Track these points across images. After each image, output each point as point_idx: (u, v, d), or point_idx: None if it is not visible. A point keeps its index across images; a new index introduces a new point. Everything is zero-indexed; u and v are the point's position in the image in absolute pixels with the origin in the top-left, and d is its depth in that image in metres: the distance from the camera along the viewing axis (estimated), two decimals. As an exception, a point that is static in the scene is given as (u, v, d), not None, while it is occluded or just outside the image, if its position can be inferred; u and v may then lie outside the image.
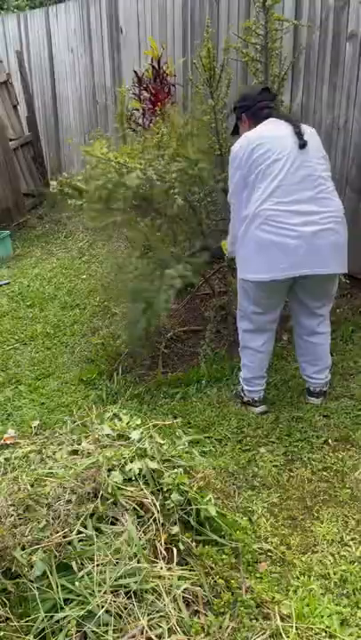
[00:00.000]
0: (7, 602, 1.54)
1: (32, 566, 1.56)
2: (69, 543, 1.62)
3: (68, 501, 1.68)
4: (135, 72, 5.08)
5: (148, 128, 3.78)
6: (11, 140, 6.74)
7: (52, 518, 1.64)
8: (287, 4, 3.79)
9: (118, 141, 5.29)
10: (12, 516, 1.61)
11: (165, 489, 1.83)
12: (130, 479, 1.83)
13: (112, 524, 1.71)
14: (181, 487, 1.84)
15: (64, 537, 1.61)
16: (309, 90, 3.83)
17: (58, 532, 1.61)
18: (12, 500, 1.67)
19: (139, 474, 1.83)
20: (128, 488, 1.78)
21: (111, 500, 1.75)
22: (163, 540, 1.71)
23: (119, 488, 1.79)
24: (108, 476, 1.81)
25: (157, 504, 1.80)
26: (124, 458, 1.90)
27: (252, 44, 3.18)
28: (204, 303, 4.13)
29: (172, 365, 3.50)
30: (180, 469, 1.92)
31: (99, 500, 1.71)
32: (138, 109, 5.02)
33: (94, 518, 1.69)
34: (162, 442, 2.05)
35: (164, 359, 3.55)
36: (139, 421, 2.17)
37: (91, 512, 1.68)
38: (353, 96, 3.55)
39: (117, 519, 1.72)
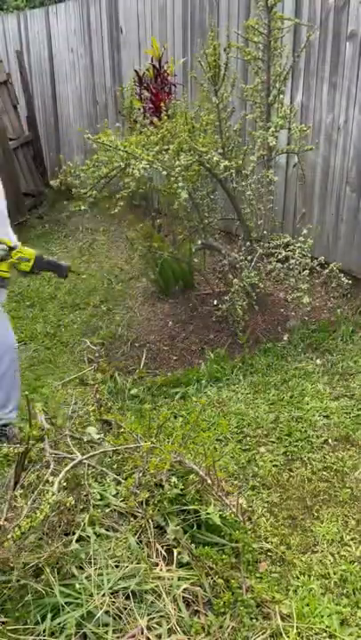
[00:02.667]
0: (6, 605, 1.54)
1: (35, 574, 1.56)
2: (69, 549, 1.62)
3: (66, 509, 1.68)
4: (136, 71, 5.08)
5: (150, 125, 3.80)
6: (10, 139, 6.73)
7: (49, 529, 1.64)
8: (287, 4, 3.79)
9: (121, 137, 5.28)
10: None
11: (165, 491, 1.82)
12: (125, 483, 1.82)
13: (111, 529, 1.71)
14: (181, 489, 1.84)
15: (64, 545, 1.61)
16: (309, 89, 3.83)
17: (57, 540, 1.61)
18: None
19: (140, 484, 1.83)
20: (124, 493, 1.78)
21: (110, 509, 1.75)
22: (161, 543, 1.71)
23: (115, 495, 1.79)
24: (102, 482, 1.81)
25: (156, 506, 1.80)
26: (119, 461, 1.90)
27: (254, 43, 3.18)
28: (205, 303, 4.13)
29: (172, 365, 3.50)
30: (180, 472, 1.92)
31: (91, 507, 1.70)
32: (139, 109, 5.02)
33: (92, 525, 1.69)
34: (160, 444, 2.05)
35: (164, 359, 3.55)
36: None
37: (89, 519, 1.68)
38: (353, 96, 3.55)
39: (115, 524, 1.72)
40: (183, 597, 1.62)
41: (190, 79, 5.02)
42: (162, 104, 4.55)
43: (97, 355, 3.17)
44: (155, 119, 3.73)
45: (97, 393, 2.39)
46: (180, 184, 3.11)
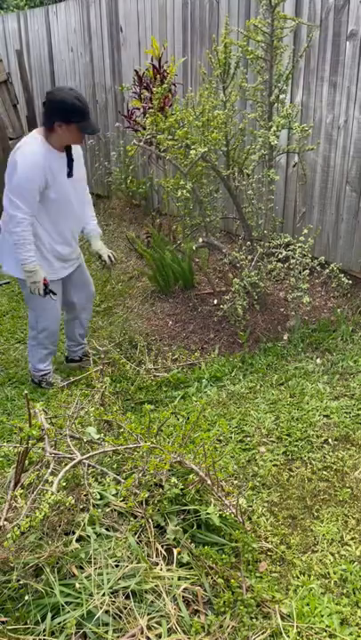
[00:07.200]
0: (7, 604, 1.55)
1: (35, 574, 1.57)
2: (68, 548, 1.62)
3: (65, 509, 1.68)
4: (136, 71, 5.07)
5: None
6: (10, 139, 6.73)
7: (49, 528, 1.64)
8: (288, 3, 3.79)
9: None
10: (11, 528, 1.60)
11: (164, 491, 1.83)
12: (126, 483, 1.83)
13: (111, 529, 1.71)
14: (181, 489, 1.84)
15: (64, 545, 1.61)
16: (310, 89, 3.83)
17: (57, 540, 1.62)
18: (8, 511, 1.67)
19: (140, 484, 1.83)
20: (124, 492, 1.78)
21: (110, 509, 1.75)
22: (161, 542, 1.71)
23: (115, 494, 1.79)
24: (102, 481, 1.81)
25: (155, 506, 1.80)
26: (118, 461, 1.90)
27: (256, 42, 3.19)
28: (205, 302, 4.13)
29: (171, 364, 3.50)
30: (180, 472, 1.92)
31: (91, 507, 1.71)
32: (138, 108, 5.02)
33: (92, 524, 1.70)
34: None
35: (164, 358, 3.55)
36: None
37: (89, 519, 1.68)
38: (353, 95, 3.55)
39: (115, 524, 1.72)
40: (183, 597, 1.62)
41: (190, 79, 5.02)
42: (163, 103, 4.54)
43: (102, 357, 3.18)
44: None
45: (103, 396, 2.40)
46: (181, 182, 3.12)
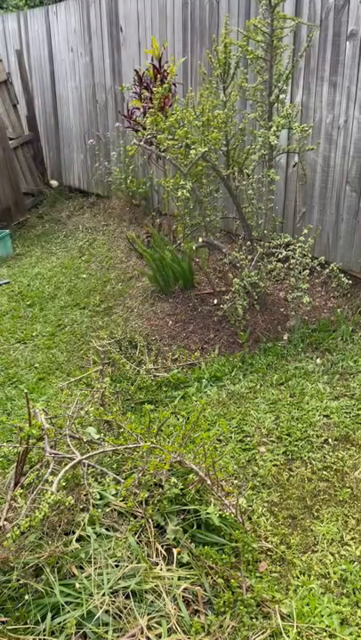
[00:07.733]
0: (7, 604, 1.55)
1: (35, 574, 1.56)
2: (68, 548, 1.62)
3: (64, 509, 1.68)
4: (136, 71, 5.07)
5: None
6: (10, 139, 6.74)
7: (49, 528, 1.64)
8: (288, 3, 3.78)
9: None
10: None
11: (164, 491, 1.83)
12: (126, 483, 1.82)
13: (111, 529, 1.71)
14: (181, 489, 1.84)
15: (64, 545, 1.61)
16: (310, 89, 3.83)
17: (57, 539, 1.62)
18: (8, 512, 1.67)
19: (140, 484, 1.83)
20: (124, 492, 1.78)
21: (110, 509, 1.75)
22: (161, 542, 1.71)
23: (115, 494, 1.79)
24: (102, 481, 1.81)
25: (155, 506, 1.80)
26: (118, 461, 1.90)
27: (256, 42, 3.19)
28: (205, 302, 4.13)
29: (171, 364, 3.50)
30: (179, 472, 1.92)
31: (91, 507, 1.71)
32: (139, 108, 5.02)
33: (92, 524, 1.70)
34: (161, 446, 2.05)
35: (164, 358, 3.55)
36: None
37: (88, 519, 1.68)
38: (353, 95, 3.55)
39: (115, 524, 1.72)
40: (183, 597, 1.63)
41: (190, 79, 5.02)
42: (163, 103, 4.54)
43: (103, 357, 3.18)
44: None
45: (103, 396, 2.40)
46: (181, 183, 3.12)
